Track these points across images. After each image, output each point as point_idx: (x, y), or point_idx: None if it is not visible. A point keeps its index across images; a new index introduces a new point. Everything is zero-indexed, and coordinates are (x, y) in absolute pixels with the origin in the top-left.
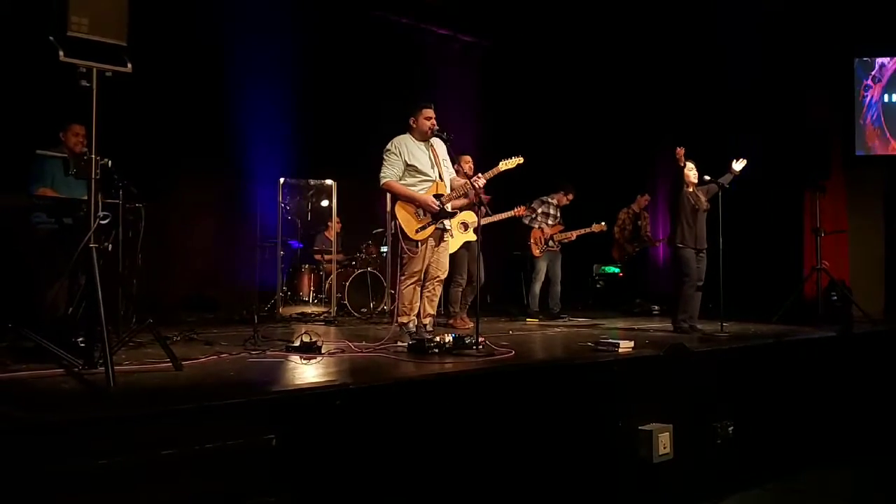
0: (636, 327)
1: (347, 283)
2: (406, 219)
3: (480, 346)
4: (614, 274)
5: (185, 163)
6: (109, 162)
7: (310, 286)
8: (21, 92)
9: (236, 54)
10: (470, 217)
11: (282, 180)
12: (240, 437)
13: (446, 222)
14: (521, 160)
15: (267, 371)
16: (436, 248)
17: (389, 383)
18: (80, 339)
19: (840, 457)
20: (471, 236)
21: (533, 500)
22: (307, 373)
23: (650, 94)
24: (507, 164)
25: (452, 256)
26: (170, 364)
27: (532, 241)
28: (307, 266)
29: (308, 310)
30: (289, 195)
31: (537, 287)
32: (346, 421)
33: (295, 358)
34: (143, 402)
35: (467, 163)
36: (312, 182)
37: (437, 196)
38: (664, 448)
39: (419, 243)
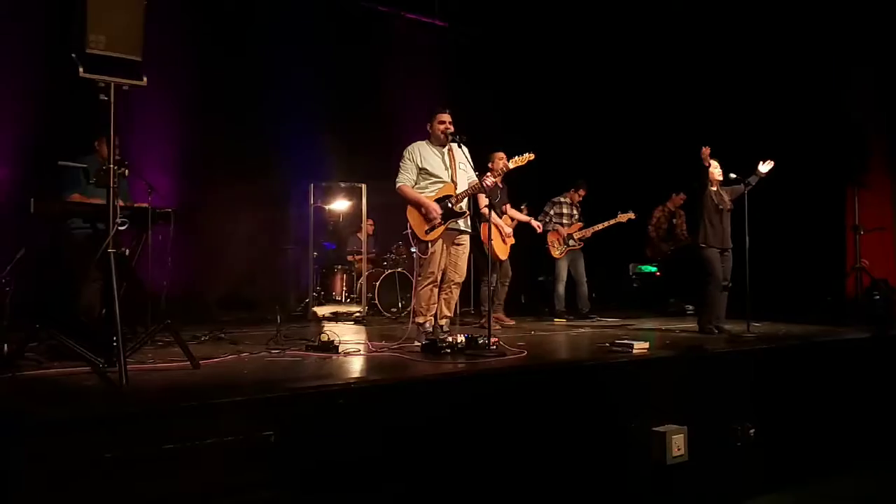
0: (664, 327)
1: (378, 284)
2: (416, 221)
3: (493, 347)
4: (651, 273)
5: (224, 166)
6: (126, 171)
7: (342, 286)
8: (60, 103)
9: (272, 59)
10: (507, 221)
11: (314, 183)
12: (239, 433)
13: (460, 222)
14: (531, 157)
15: (279, 370)
16: (450, 250)
17: (390, 382)
18: (115, 339)
19: (871, 462)
20: (512, 240)
21: (543, 500)
22: (318, 371)
23: (687, 90)
24: (517, 162)
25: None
26: (189, 363)
27: (549, 243)
28: (340, 267)
29: (340, 309)
30: (321, 197)
31: (561, 288)
32: (347, 419)
33: (312, 357)
34: (149, 399)
35: (501, 159)
36: (343, 185)
37: (447, 197)
38: (678, 450)
39: (430, 244)
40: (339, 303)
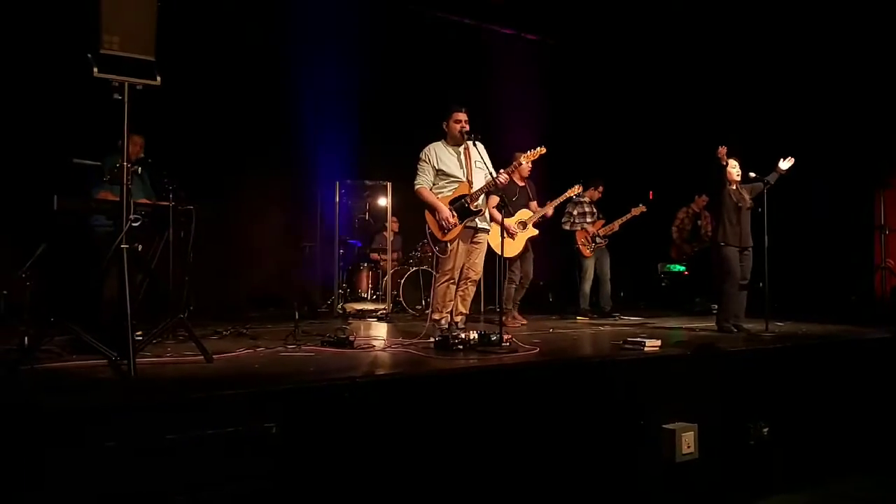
0: (684, 326)
1: (402, 281)
2: (434, 221)
3: (506, 344)
4: (679, 272)
5: (252, 164)
6: (139, 168)
7: (368, 283)
8: (85, 102)
9: (298, 56)
10: (525, 215)
11: (339, 181)
12: (240, 424)
13: (478, 220)
14: (543, 150)
15: (290, 364)
16: (468, 248)
17: (396, 377)
18: (139, 333)
19: (890, 463)
20: (532, 231)
21: (552, 497)
22: (327, 366)
23: (714, 93)
24: (528, 157)
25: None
26: (203, 357)
27: (580, 243)
28: (366, 264)
29: (366, 306)
30: (347, 195)
31: (587, 286)
32: (352, 413)
33: (325, 352)
34: (155, 391)
35: (525, 156)
36: (369, 183)
37: (462, 196)
38: (688, 447)
39: (448, 244)
40: (365, 300)
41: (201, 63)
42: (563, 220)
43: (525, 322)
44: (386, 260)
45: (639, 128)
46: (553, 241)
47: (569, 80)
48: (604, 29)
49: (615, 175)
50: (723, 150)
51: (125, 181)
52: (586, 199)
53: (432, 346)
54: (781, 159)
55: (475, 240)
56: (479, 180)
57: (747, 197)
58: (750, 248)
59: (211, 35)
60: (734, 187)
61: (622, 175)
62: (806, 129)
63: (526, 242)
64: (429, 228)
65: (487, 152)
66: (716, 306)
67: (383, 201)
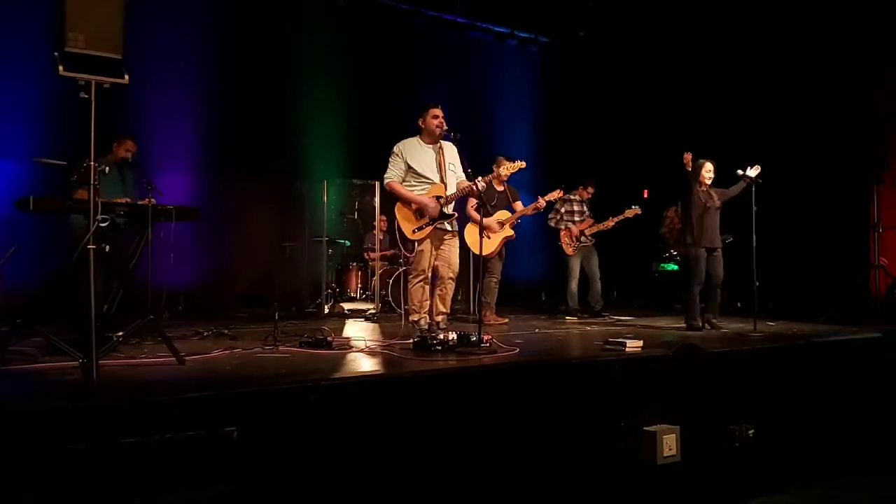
0: (673, 326)
1: (391, 281)
2: (404, 219)
3: (487, 344)
4: (674, 271)
5: (240, 164)
6: (107, 168)
7: (357, 283)
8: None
9: (290, 57)
10: (504, 216)
11: (328, 180)
12: (201, 428)
13: (447, 223)
14: (522, 165)
15: (263, 366)
16: (439, 247)
17: (364, 380)
18: (120, 334)
19: (877, 466)
20: (508, 232)
21: (530, 500)
22: (300, 368)
23: (709, 90)
24: (508, 169)
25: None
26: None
27: (563, 241)
28: (355, 264)
29: (355, 306)
30: (336, 194)
31: (574, 285)
32: (319, 415)
33: (301, 353)
34: (116, 394)
35: (504, 167)
36: (357, 182)
37: (436, 198)
38: (669, 450)
39: (417, 243)
40: (354, 300)
41: (191, 61)
42: (549, 215)
43: (506, 321)
44: (375, 260)
45: (633, 126)
46: (546, 240)
47: (563, 79)
48: (599, 28)
49: (610, 174)
50: (688, 156)
51: (92, 180)
52: (576, 198)
53: (411, 346)
54: (749, 167)
55: (445, 238)
56: (452, 183)
57: (716, 198)
58: (719, 249)
59: (205, 34)
60: (703, 188)
61: (617, 174)
62: (802, 126)
63: (501, 243)
64: (398, 227)
65: (478, 152)
66: (702, 305)
67: (373, 200)
